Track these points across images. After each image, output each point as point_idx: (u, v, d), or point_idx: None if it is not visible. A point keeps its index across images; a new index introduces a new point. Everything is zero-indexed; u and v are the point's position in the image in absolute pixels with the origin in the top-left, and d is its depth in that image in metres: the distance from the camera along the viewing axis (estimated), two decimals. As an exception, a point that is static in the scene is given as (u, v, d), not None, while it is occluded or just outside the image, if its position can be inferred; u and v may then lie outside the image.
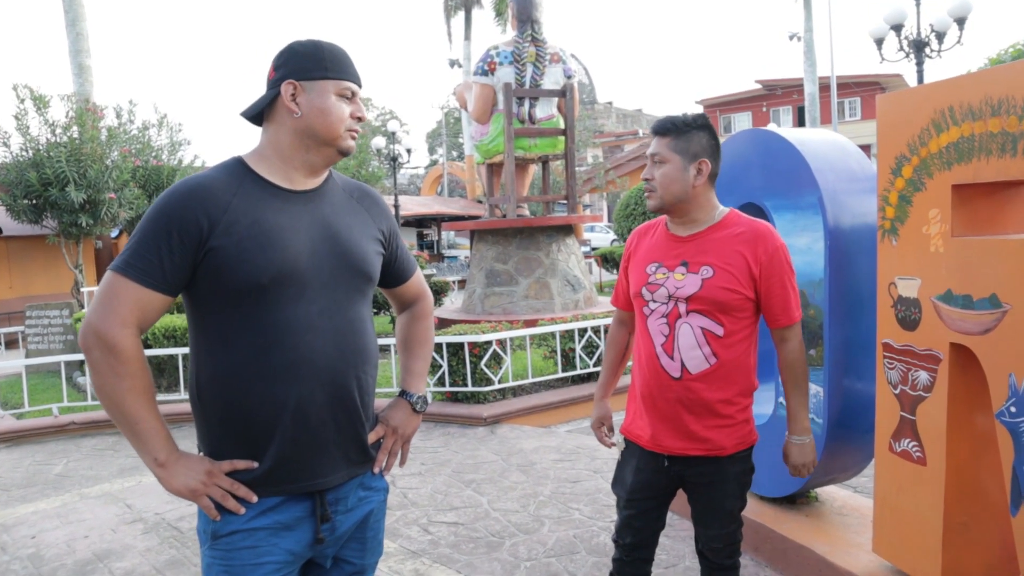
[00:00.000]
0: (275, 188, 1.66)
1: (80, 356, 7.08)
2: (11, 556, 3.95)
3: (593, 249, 23.42)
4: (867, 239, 2.89)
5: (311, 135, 1.66)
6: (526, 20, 9.89)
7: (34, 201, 10.91)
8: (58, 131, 11.02)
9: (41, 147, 10.83)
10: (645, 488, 2.28)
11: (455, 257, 25.49)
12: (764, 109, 38.70)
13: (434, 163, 48.39)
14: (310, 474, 1.66)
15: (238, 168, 1.67)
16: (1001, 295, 2.13)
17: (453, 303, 12.71)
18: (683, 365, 2.16)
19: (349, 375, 1.70)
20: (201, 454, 1.67)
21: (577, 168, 26.00)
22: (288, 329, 1.61)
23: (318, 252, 1.67)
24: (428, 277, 12.86)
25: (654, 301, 2.21)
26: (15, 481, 5.54)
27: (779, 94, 37.89)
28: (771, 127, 3.06)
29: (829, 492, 3.48)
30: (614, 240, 24.58)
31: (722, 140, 2.48)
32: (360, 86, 1.75)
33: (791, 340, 2.23)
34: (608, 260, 17.31)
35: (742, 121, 39.30)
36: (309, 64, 1.67)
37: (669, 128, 2.19)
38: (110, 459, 5.98)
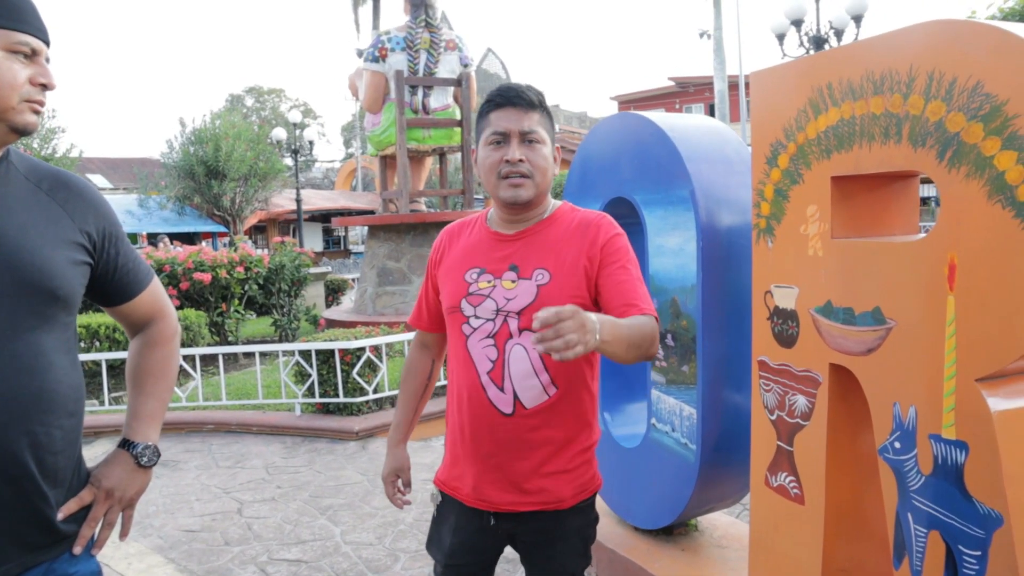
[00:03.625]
0: None
1: None
2: None
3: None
4: (747, 239, 2.53)
5: None
6: (419, 4, 9.35)
7: None
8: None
9: None
10: (467, 551, 1.83)
11: (362, 253, 24.78)
12: (677, 106, 39.22)
13: (350, 156, 47.21)
14: None
15: None
16: (885, 309, 1.78)
17: (350, 303, 12.10)
18: (516, 398, 1.71)
19: (14, 430, 1.25)
20: None
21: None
22: None
23: None
24: (323, 275, 12.20)
25: (477, 317, 1.74)
26: None
27: (692, 91, 38.47)
28: (648, 114, 2.66)
29: (710, 520, 3.14)
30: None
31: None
32: (47, 43, 1.30)
33: (650, 321, 1.64)
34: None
35: (655, 118, 39.68)
36: None
37: (540, 102, 1.73)
38: None
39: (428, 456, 4.97)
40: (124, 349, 6.62)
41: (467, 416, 1.77)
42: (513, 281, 1.73)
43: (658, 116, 2.75)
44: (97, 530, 1.45)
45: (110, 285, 1.48)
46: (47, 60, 1.33)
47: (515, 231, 1.79)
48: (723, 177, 2.60)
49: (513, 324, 1.71)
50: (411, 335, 6.07)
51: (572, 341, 1.31)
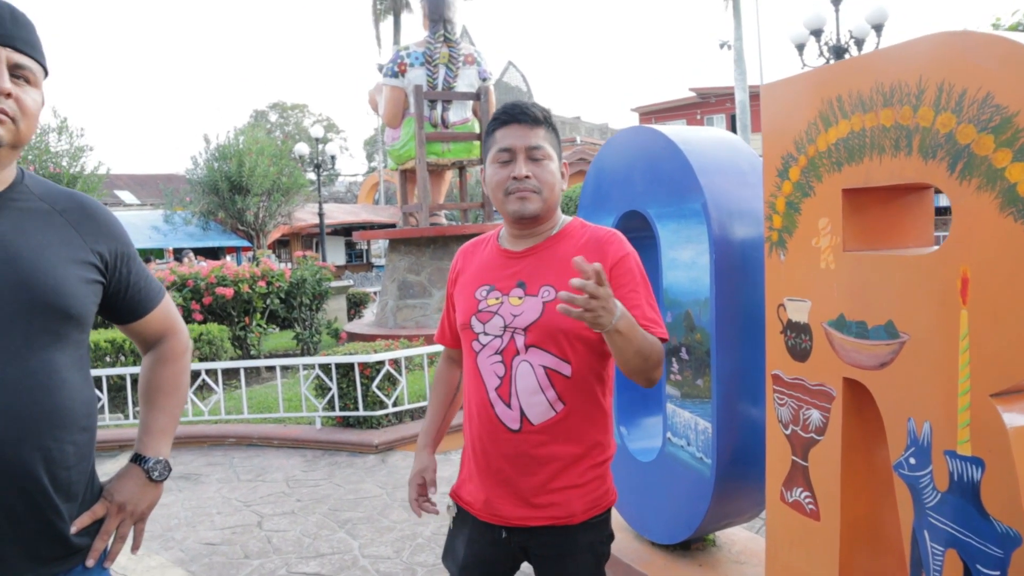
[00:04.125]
0: None
1: None
2: None
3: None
4: (761, 252, 2.52)
5: None
6: (438, 20, 9.42)
7: None
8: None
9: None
10: (480, 564, 1.83)
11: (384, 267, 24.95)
12: (698, 117, 39.07)
13: (372, 170, 47.53)
14: None
15: None
16: (898, 323, 1.76)
17: (372, 316, 12.16)
18: (523, 414, 1.72)
19: (27, 446, 1.27)
20: None
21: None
22: None
23: None
24: (345, 289, 12.28)
25: (486, 334, 1.75)
26: None
27: (713, 102, 38.31)
28: (657, 126, 2.65)
29: (728, 535, 3.11)
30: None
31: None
32: (12, 48, 1.28)
33: (658, 342, 1.68)
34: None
35: (676, 129, 39.56)
36: None
37: (545, 118, 1.74)
38: None
39: (447, 469, 4.96)
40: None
41: (477, 432, 1.79)
42: (520, 298, 1.74)
43: (670, 129, 2.74)
44: (110, 543, 1.47)
45: (122, 303, 1.51)
46: (22, 67, 1.29)
47: (524, 248, 1.80)
48: (736, 189, 2.58)
49: (520, 340, 1.72)
50: (430, 348, 6.09)
51: (590, 306, 1.40)
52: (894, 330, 1.77)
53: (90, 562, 1.41)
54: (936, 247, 1.76)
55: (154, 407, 1.58)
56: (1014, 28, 12.59)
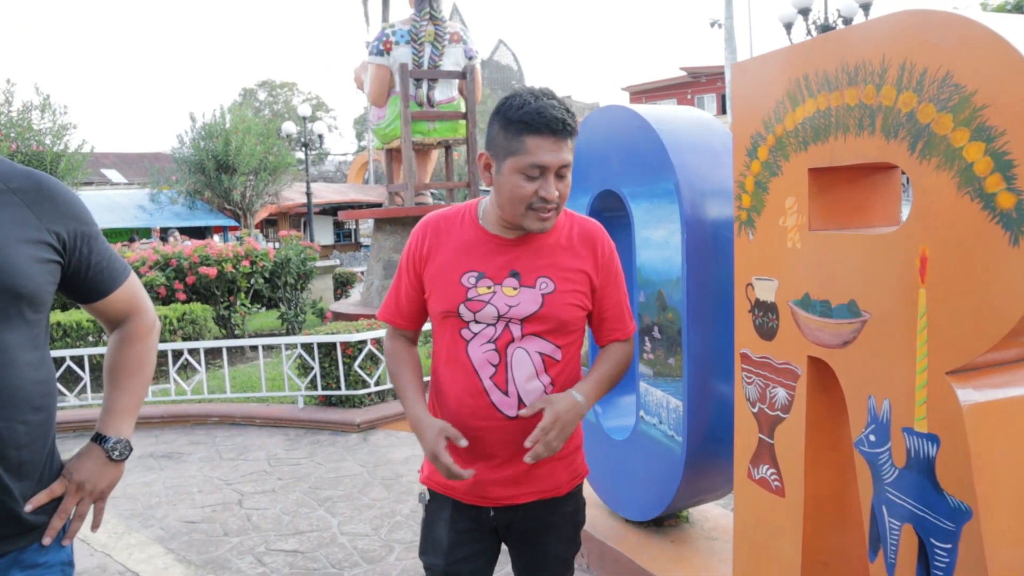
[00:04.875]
0: None
1: None
2: None
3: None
4: (732, 231, 2.53)
5: None
6: (424, -3, 9.36)
7: None
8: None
9: None
10: (468, 541, 1.80)
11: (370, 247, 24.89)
12: (689, 96, 38.97)
13: (362, 149, 47.18)
14: None
15: None
16: (860, 302, 1.77)
17: (359, 296, 12.14)
18: (520, 400, 1.72)
19: None
20: None
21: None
22: None
23: None
24: (331, 268, 12.24)
25: (477, 323, 1.71)
26: None
27: (703, 81, 38.22)
28: (633, 105, 2.65)
29: (701, 512, 3.14)
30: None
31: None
32: None
33: (628, 349, 1.92)
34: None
35: (667, 109, 39.45)
36: None
37: (575, 125, 1.64)
38: None
39: (404, 451, 5.00)
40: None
41: (468, 420, 1.74)
42: (515, 288, 1.71)
43: (645, 108, 2.74)
44: (64, 523, 1.47)
45: (83, 283, 1.50)
46: None
47: (515, 236, 1.74)
48: (709, 169, 2.59)
49: (516, 330, 1.71)
50: (412, 328, 6.08)
51: (555, 448, 1.66)
52: (856, 309, 1.78)
53: (46, 540, 1.40)
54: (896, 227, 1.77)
55: (117, 387, 1.58)
56: (1001, 9, 12.58)
